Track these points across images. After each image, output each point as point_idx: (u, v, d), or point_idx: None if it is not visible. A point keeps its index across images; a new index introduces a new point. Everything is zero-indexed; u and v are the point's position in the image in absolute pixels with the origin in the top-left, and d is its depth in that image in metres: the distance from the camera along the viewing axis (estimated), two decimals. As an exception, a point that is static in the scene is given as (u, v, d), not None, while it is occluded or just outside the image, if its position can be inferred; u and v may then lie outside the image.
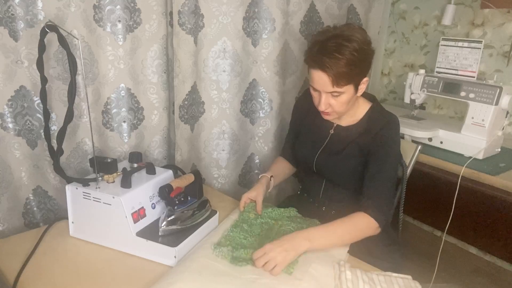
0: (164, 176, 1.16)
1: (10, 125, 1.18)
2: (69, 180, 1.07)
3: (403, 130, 1.63)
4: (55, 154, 1.03)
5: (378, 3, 1.84)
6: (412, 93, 1.74)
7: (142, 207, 1.06)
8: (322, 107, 1.16)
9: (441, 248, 1.62)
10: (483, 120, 1.52)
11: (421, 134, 1.62)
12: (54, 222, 1.16)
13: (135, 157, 1.17)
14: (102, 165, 1.08)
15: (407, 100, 1.78)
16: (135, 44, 1.33)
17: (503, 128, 1.58)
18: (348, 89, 1.11)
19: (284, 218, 1.18)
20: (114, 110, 1.36)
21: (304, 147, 1.33)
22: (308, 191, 1.39)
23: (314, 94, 1.18)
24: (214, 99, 1.57)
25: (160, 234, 1.02)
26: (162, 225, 1.02)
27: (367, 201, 1.11)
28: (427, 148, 1.63)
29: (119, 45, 1.30)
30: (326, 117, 1.22)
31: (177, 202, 1.07)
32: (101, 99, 1.32)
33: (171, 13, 1.34)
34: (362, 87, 1.16)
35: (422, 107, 1.79)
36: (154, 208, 1.10)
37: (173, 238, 1.02)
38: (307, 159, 1.31)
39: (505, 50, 1.82)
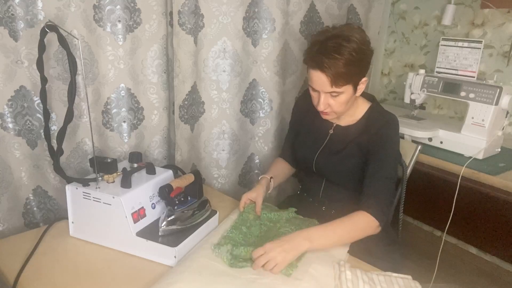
0: (164, 176, 1.16)
1: (10, 125, 1.18)
2: (69, 180, 1.07)
3: (403, 130, 1.63)
4: (55, 154, 1.03)
5: (378, 3, 1.84)
6: (412, 93, 1.74)
7: (142, 207, 1.06)
8: (321, 107, 1.16)
9: (441, 248, 1.62)
10: (483, 120, 1.52)
11: (421, 134, 1.62)
12: (54, 222, 1.16)
13: (135, 157, 1.17)
14: (102, 165, 1.08)
15: (407, 100, 1.78)
16: (135, 44, 1.33)
17: (503, 128, 1.58)
18: (347, 89, 1.12)
19: (283, 220, 1.18)
20: (114, 110, 1.36)
21: (303, 147, 1.33)
22: (308, 190, 1.39)
23: (313, 94, 1.18)
24: (214, 99, 1.57)
25: (160, 234, 1.02)
26: (162, 225, 1.02)
27: (367, 200, 1.11)
28: (427, 148, 1.63)
29: (119, 45, 1.30)
30: (325, 117, 1.22)
31: (177, 202, 1.07)
32: (101, 99, 1.32)
33: (171, 13, 1.34)
34: (361, 87, 1.16)
35: (422, 107, 1.80)
36: (154, 208, 1.10)
37: (173, 238, 1.02)
38: (307, 159, 1.31)
39: (505, 50, 1.82)
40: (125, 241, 1.03)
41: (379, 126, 1.18)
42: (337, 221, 1.06)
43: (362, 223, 1.08)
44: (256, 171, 1.76)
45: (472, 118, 1.55)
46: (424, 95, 1.72)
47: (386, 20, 2.27)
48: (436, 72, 1.76)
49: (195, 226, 1.08)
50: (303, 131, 1.36)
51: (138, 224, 1.04)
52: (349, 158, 1.21)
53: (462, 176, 1.45)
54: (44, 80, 1.04)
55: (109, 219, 1.03)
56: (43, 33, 0.98)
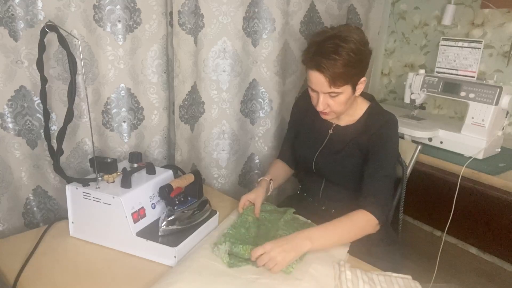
0: (164, 176, 1.16)
1: (10, 125, 1.18)
2: (69, 180, 1.07)
3: (403, 130, 1.63)
4: (55, 154, 1.03)
5: (378, 3, 1.85)
6: (412, 93, 1.74)
7: (142, 207, 1.06)
8: (320, 107, 1.16)
9: (441, 248, 1.62)
10: (483, 120, 1.52)
11: (421, 134, 1.62)
12: (54, 222, 1.16)
13: (135, 157, 1.17)
14: (102, 165, 1.08)
15: (407, 100, 1.78)
16: (135, 44, 1.33)
17: (503, 128, 1.58)
18: (346, 89, 1.12)
19: (282, 223, 1.17)
20: (114, 110, 1.36)
21: (303, 147, 1.33)
22: (308, 190, 1.39)
23: (312, 95, 1.18)
24: (214, 99, 1.57)
25: (160, 234, 1.02)
26: (162, 225, 1.02)
27: (366, 199, 1.11)
28: (427, 148, 1.63)
29: (119, 45, 1.30)
30: (324, 117, 1.22)
31: (177, 202, 1.07)
32: (101, 99, 1.32)
33: (171, 13, 1.34)
34: (360, 87, 1.16)
35: (422, 107, 1.79)
36: (154, 208, 1.10)
37: (173, 238, 1.02)
38: (307, 159, 1.31)
39: (505, 50, 1.82)
40: (125, 241, 1.03)
41: (379, 126, 1.18)
42: (336, 220, 1.06)
43: (362, 222, 1.08)
44: (256, 171, 1.76)
45: (472, 118, 1.55)
46: (424, 95, 1.72)
47: (386, 20, 2.26)
48: (436, 72, 1.76)
49: (195, 226, 1.08)
50: (302, 131, 1.36)
51: (138, 224, 1.04)
52: (349, 158, 1.22)
53: (462, 176, 1.45)
54: (44, 80, 1.04)
55: (109, 219, 1.03)
56: (43, 33, 0.98)
